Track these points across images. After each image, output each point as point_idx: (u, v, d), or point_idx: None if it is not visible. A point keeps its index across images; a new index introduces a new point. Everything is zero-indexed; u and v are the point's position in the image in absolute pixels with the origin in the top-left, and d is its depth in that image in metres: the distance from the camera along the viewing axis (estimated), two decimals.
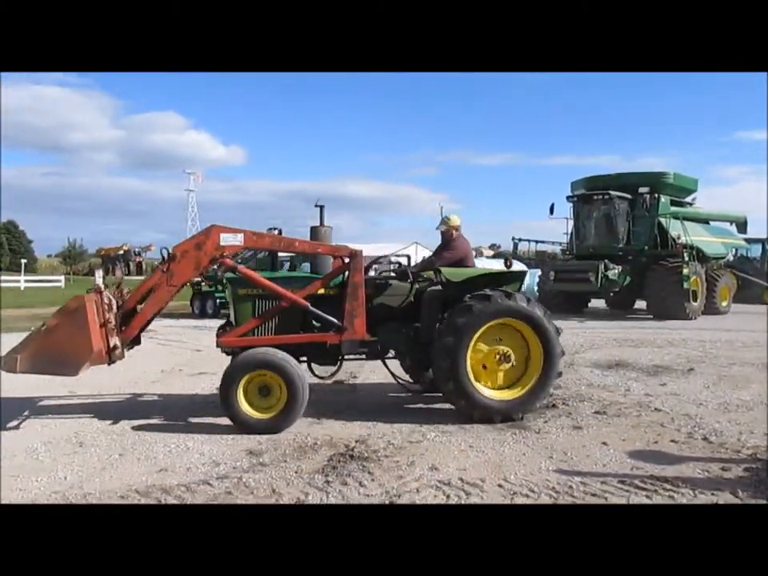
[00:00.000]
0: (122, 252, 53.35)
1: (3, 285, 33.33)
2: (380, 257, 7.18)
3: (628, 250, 17.26)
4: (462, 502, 3.86)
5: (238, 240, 5.58)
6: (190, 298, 18.71)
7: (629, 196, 17.23)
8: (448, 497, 3.94)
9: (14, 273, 41.60)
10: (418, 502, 3.85)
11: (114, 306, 5.35)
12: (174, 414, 6.03)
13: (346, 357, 6.10)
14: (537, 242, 21.46)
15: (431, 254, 6.85)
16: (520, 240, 20.64)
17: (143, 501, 3.89)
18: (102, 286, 5.37)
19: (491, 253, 44.24)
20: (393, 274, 6.58)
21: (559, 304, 17.65)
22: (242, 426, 5.34)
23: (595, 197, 17.57)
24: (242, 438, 5.19)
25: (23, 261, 43.59)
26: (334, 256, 5.96)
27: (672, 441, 5.12)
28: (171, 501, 3.88)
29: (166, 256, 5.55)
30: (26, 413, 6.16)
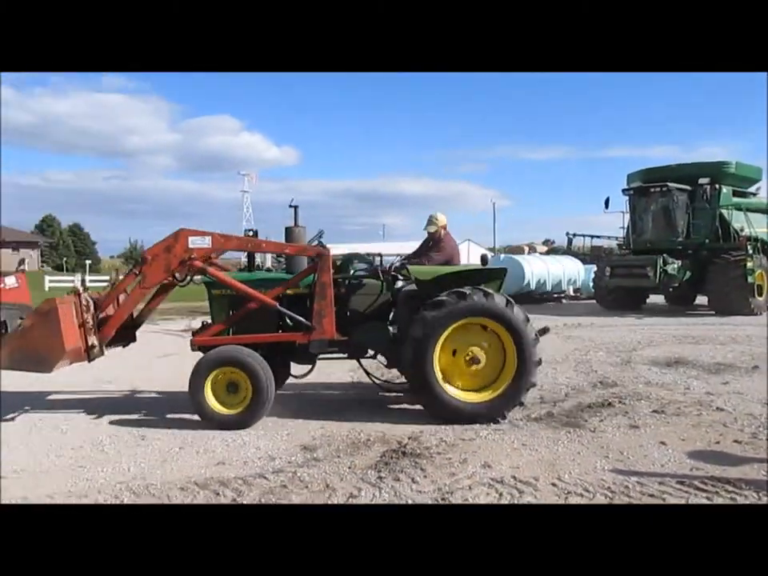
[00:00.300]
0: None
1: (70, 284, 34.60)
2: (352, 255, 7.04)
3: (688, 244, 16.73)
4: (515, 501, 3.84)
5: (205, 242, 5.70)
6: None
7: (688, 187, 16.69)
8: (500, 495, 3.92)
9: (80, 273, 43.29)
10: (470, 500, 3.85)
11: (92, 307, 5.58)
12: None
13: (321, 356, 6.08)
14: (592, 236, 21.06)
15: (412, 252, 6.78)
16: (575, 235, 20.30)
17: (202, 493, 4.01)
18: (81, 289, 5.64)
19: (545, 249, 43.61)
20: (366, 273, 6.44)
21: (616, 300, 17.28)
22: (211, 422, 5.49)
23: (652, 189, 17.10)
24: (297, 434, 5.30)
25: (87, 262, 45.31)
26: (308, 257, 5.99)
27: (735, 441, 4.95)
28: (228, 493, 3.99)
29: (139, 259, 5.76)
30: (93, 407, 6.42)
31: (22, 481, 4.31)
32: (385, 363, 6.31)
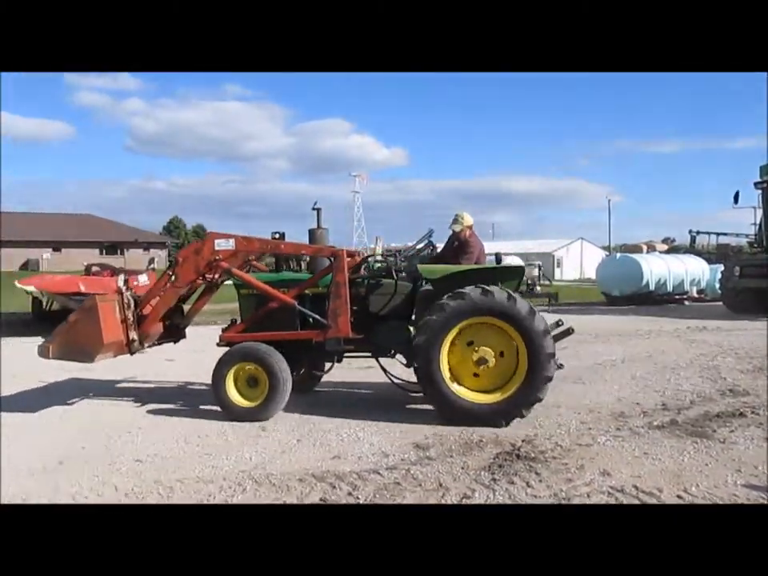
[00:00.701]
0: None
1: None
2: (369, 256, 7.08)
3: None
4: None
5: (230, 245, 6.06)
6: None
7: None
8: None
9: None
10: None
11: (133, 305, 6.08)
12: (356, 405, 6.36)
13: (348, 354, 6.28)
14: (718, 234, 19.72)
15: (439, 252, 6.71)
16: (698, 233, 19.11)
17: (319, 485, 4.14)
18: (123, 288, 6.08)
19: (665, 247, 41.34)
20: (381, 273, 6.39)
21: (745, 302, 16.05)
22: (230, 414, 5.82)
23: None
24: (409, 432, 5.35)
25: None
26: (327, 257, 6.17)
27: None
28: (344, 487, 4.09)
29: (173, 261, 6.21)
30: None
31: (156, 464, 4.65)
32: (405, 362, 6.21)
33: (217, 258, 6.06)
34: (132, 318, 6.06)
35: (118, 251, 56.87)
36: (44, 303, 14.67)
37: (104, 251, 55.96)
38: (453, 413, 5.51)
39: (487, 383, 5.58)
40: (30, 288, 13.64)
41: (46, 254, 51.25)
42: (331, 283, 5.94)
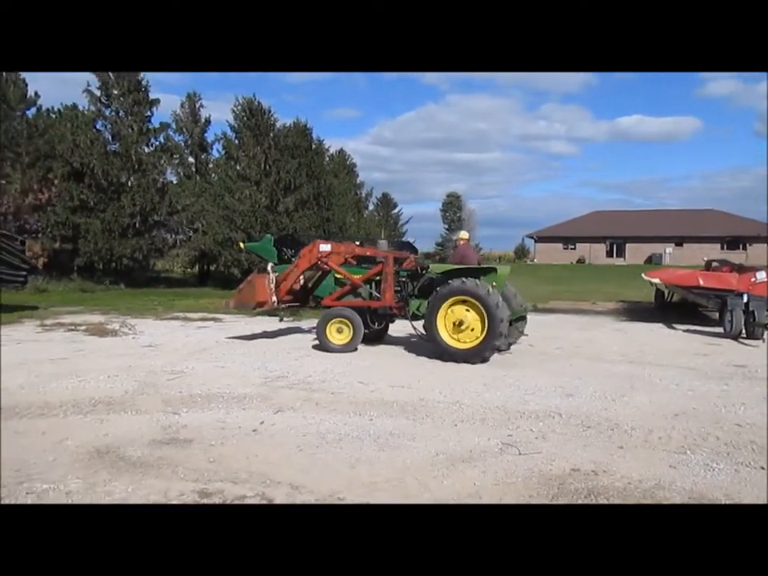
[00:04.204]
0: None
1: None
2: (405, 257, 10.73)
3: None
4: None
5: (328, 247, 10.18)
6: None
7: None
8: None
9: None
10: None
11: (275, 281, 10.05)
12: None
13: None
14: None
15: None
16: None
17: None
18: (270, 271, 10.08)
19: None
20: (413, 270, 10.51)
21: None
22: (327, 349, 9.58)
23: None
24: None
25: None
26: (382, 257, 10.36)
27: None
28: None
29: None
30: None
31: None
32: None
33: (320, 255, 10.14)
34: (274, 289, 10.05)
35: (740, 246, 54.49)
36: (666, 295, 16.63)
37: (725, 246, 54.28)
38: (443, 353, 8.96)
39: (469, 340, 8.94)
40: (655, 280, 15.54)
41: (669, 248, 53.59)
42: (382, 273, 9.95)
